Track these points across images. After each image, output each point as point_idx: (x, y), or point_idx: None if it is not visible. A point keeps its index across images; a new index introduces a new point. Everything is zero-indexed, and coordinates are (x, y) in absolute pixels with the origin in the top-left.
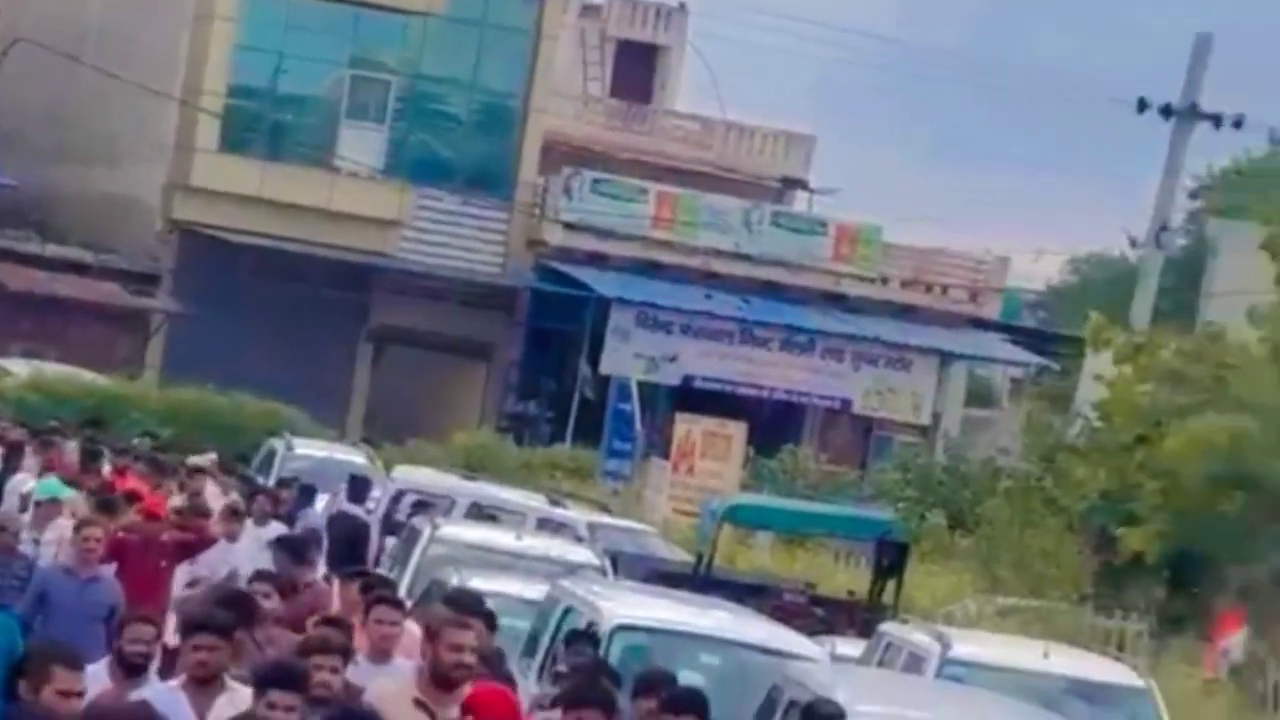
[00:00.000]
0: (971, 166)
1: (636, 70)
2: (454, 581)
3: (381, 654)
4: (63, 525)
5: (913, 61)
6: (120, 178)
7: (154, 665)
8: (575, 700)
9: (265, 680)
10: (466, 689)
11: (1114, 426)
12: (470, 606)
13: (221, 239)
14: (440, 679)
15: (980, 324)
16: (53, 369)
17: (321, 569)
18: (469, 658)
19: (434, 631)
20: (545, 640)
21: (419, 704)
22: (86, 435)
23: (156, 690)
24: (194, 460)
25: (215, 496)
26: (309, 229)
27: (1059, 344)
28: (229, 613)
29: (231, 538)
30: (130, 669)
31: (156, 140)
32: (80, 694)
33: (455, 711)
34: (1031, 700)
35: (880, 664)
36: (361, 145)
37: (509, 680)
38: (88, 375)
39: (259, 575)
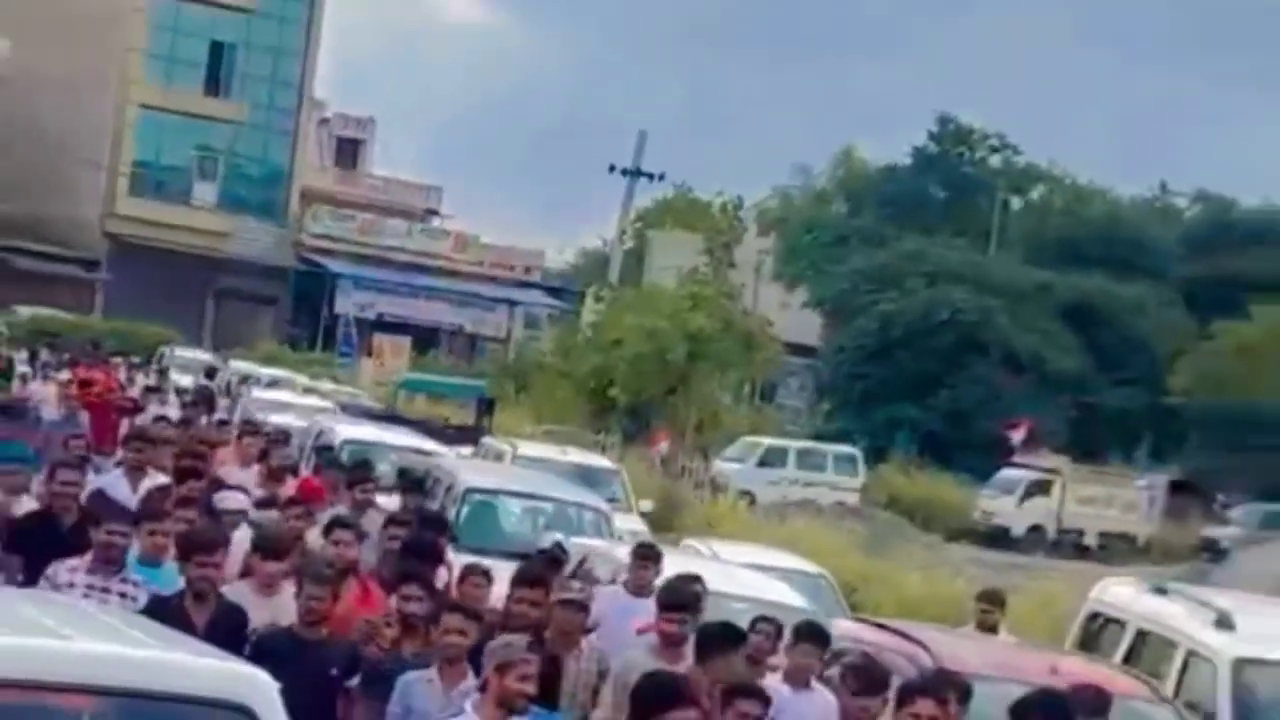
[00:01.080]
0: (526, 197)
1: (348, 152)
2: (259, 417)
3: (247, 461)
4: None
5: (517, 131)
6: (78, 209)
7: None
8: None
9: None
10: (293, 481)
11: (600, 336)
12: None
13: (132, 243)
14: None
15: (530, 285)
16: (44, 312)
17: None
18: (290, 460)
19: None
20: (308, 449)
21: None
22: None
23: (102, 476)
24: (114, 360)
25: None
26: (180, 238)
27: (573, 296)
28: (158, 428)
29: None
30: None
31: (95, 189)
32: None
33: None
34: (558, 475)
35: (482, 459)
36: (205, 192)
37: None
38: (64, 314)
39: (158, 419)
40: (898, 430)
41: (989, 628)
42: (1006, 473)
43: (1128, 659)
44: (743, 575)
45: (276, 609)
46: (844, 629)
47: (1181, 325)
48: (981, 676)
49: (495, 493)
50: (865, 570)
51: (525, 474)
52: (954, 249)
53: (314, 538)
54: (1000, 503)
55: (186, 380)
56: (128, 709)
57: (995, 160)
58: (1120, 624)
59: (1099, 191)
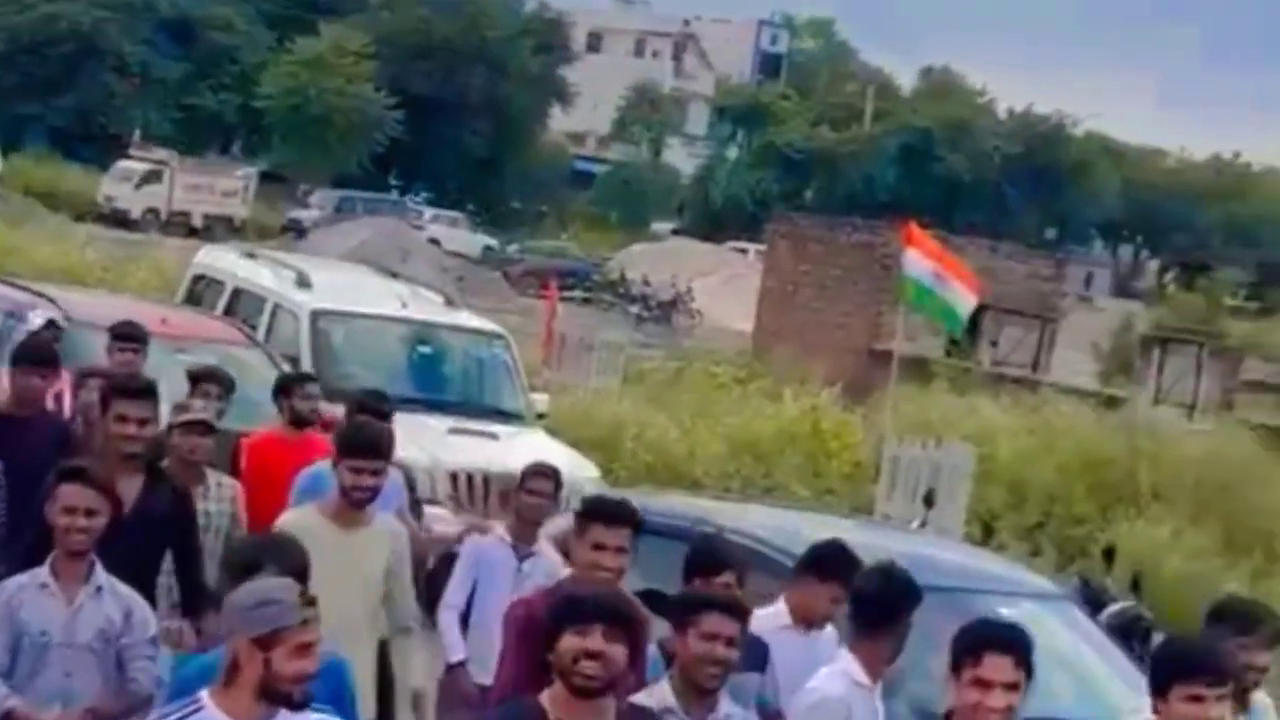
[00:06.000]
0: None
1: None
2: None
3: None
4: None
5: None
6: None
7: None
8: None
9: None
10: None
11: None
12: None
13: None
14: None
15: None
16: None
17: None
18: None
19: None
20: None
21: None
22: None
23: None
24: None
25: None
26: None
27: None
28: None
29: None
30: None
31: None
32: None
33: None
34: None
35: None
36: None
37: None
38: None
39: None
40: (27, 127)
41: None
42: (124, 163)
43: (227, 312)
44: None
45: None
46: None
47: (264, 40)
48: (95, 325)
49: None
50: (6, 243)
51: None
52: None
53: None
54: (120, 189)
55: None
56: None
57: None
58: (220, 284)
59: None
